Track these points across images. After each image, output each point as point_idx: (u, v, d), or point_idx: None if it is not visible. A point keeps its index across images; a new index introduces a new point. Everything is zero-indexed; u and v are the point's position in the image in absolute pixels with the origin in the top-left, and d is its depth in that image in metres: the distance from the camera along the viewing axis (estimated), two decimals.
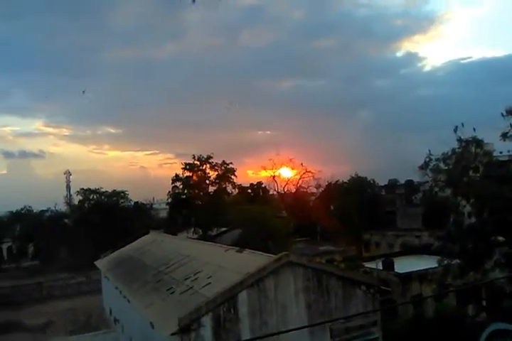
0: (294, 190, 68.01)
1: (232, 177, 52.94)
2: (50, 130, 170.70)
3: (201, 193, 52.38)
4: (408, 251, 32.56)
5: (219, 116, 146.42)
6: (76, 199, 63.02)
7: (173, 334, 13.55)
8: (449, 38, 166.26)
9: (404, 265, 25.06)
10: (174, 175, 52.34)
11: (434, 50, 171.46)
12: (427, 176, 23.98)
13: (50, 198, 69.01)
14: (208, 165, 52.28)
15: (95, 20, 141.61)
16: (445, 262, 21.63)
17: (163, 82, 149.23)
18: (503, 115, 21.15)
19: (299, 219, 50.02)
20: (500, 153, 28.35)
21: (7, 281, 44.28)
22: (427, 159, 23.14)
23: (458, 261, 21.42)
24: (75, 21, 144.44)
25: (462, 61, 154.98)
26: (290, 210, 59.68)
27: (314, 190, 67.00)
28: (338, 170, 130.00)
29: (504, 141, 21.23)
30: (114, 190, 61.93)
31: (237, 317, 14.48)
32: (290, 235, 40.94)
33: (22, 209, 65.75)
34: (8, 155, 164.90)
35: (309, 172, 64.78)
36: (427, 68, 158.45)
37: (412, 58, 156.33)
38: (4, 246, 65.77)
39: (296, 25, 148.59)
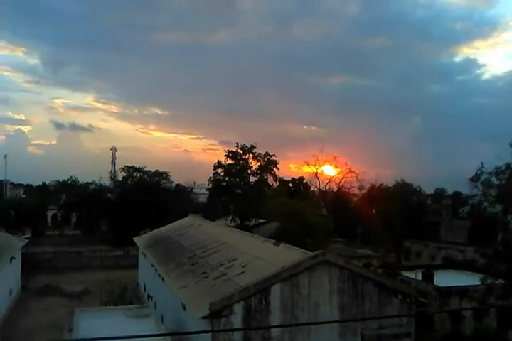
0: (335, 189, 67.00)
1: (274, 169, 52.79)
2: (100, 106, 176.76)
3: (242, 182, 52.56)
4: (450, 264, 31.33)
5: (265, 107, 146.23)
6: (120, 175, 64.15)
7: (204, 317, 13.72)
8: None
9: (445, 279, 24.14)
10: (216, 161, 52.76)
11: (495, 58, 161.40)
12: (477, 189, 22.99)
13: (95, 172, 71.07)
14: (250, 155, 52.31)
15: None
16: (489, 281, 20.72)
17: (213, 68, 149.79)
18: None
19: (339, 219, 49.24)
20: None
21: (50, 247, 46.31)
22: (479, 171, 22.16)
23: (502, 281, 20.46)
24: (131, 0, 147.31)
25: None
26: (330, 209, 58.93)
27: (357, 191, 65.69)
28: (383, 174, 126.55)
29: None
30: (157, 170, 62.85)
31: (269, 309, 14.48)
32: (329, 234, 40.42)
33: (68, 179, 67.78)
34: (59, 126, 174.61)
35: (353, 172, 63.49)
36: (486, 76, 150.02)
37: (470, 65, 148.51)
38: (49, 214, 68.90)
39: (350, 20, 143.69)
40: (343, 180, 65.56)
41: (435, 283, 23.28)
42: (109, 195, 64.31)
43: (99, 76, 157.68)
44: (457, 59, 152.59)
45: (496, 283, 20.59)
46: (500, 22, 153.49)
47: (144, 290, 28.27)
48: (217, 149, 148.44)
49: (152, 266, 24.28)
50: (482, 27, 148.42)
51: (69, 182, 67.89)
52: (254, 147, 52.14)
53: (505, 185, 21.84)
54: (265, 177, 53.03)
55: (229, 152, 52.24)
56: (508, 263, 20.82)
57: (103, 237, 53.94)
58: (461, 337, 18.64)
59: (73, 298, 28.26)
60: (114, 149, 71.81)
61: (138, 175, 62.42)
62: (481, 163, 22.15)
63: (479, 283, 21.27)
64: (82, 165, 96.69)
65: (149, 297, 25.40)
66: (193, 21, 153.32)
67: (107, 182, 66.31)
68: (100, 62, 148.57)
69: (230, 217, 50.37)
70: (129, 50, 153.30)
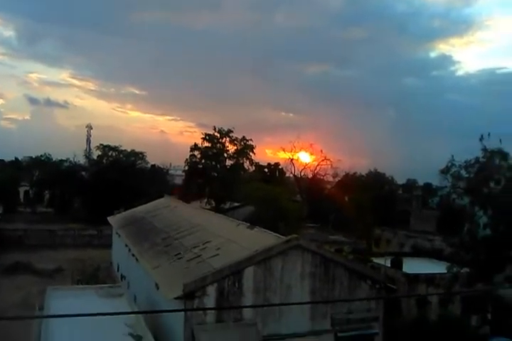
0: (310, 176, 67.80)
1: (251, 153, 52.67)
2: (76, 82, 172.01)
3: (218, 165, 52.42)
4: (419, 252, 32.35)
5: (244, 92, 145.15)
6: (95, 153, 63.43)
7: (176, 298, 13.82)
8: (486, 44, 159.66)
9: (413, 266, 24.92)
10: (193, 144, 52.38)
11: (469, 56, 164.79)
12: (447, 181, 23.62)
13: (69, 149, 69.39)
14: (227, 139, 52.04)
15: None
16: (455, 269, 21.47)
17: (194, 50, 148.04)
18: None
19: (313, 205, 50.06)
20: None
21: (21, 224, 45.46)
22: (449, 164, 22.73)
23: (467, 270, 21.25)
24: None
25: (497, 71, 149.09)
26: (305, 195, 59.69)
27: (331, 179, 66.73)
28: (357, 163, 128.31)
29: None
30: (133, 150, 62.28)
31: (241, 291, 14.67)
32: (302, 220, 40.99)
33: (42, 156, 66.46)
34: (33, 101, 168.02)
35: (328, 160, 64.38)
36: (460, 73, 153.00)
37: (445, 61, 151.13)
38: (22, 190, 67.29)
39: (332, 11, 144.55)
40: (318, 168, 66.45)
41: (404, 269, 24.00)
42: (83, 173, 63.34)
43: (77, 52, 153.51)
44: (433, 55, 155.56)
45: (462, 271, 21.34)
46: (476, 21, 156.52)
47: (118, 270, 28.15)
48: (195, 131, 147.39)
49: (126, 245, 24.15)
50: (458, 25, 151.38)
51: (42, 158, 66.46)
52: (232, 131, 51.92)
53: (473, 178, 22.41)
54: (241, 162, 52.94)
55: (206, 135, 51.88)
56: (472, 252, 21.62)
57: (76, 216, 53.26)
58: (427, 323, 19.35)
59: (45, 276, 27.97)
60: (89, 127, 70.57)
61: (113, 154, 61.60)
62: (452, 156, 22.74)
63: (446, 271, 21.96)
64: (56, 141, 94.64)
65: (122, 277, 25.32)
66: (176, 2, 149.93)
67: (81, 160, 65.35)
68: (78, 38, 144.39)
69: (206, 200, 50.32)
70: (109, 28, 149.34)
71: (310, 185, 64.48)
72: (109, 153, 61.47)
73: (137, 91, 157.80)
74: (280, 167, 67.32)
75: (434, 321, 19.59)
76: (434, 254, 29.40)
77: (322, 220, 50.27)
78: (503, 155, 21.98)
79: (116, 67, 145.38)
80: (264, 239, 17.01)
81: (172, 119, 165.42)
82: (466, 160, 22.32)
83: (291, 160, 66.52)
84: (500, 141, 21.53)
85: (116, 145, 61.62)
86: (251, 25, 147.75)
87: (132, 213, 33.90)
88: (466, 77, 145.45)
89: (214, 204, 48.92)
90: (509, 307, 19.81)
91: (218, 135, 51.69)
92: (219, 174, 51.53)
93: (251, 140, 52.36)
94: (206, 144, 51.64)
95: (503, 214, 20.68)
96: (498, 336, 11.95)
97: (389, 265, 24.59)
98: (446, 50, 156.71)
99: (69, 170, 62.36)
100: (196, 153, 51.93)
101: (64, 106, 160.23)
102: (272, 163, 68.50)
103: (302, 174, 68.24)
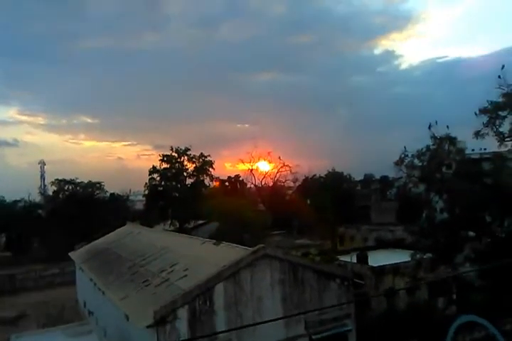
0: (271, 184, 68.44)
1: (210, 169, 52.91)
2: (25, 118, 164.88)
3: (178, 185, 52.14)
4: (382, 245, 33.18)
5: (197, 109, 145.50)
6: (50, 189, 62.04)
7: (148, 326, 13.54)
8: (425, 36, 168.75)
9: (378, 258, 25.56)
10: (152, 166, 51.99)
11: (411, 49, 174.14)
12: (402, 172, 24.37)
13: (23, 188, 67.32)
14: (185, 157, 52.09)
15: (73, 6, 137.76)
16: (417, 256, 22.12)
17: (142, 73, 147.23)
18: (476, 114, 21.64)
19: (276, 212, 50.36)
20: (473, 150, 29.05)
21: None
22: (402, 155, 23.52)
23: (430, 255, 21.97)
24: (51, 7, 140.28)
25: (438, 60, 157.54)
26: (267, 204, 60.06)
27: (291, 184, 67.66)
28: (316, 165, 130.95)
29: (477, 139, 21.71)
30: (90, 181, 61.07)
31: (213, 309, 14.57)
32: (267, 228, 41.26)
33: None
34: None
35: (287, 166, 65.39)
36: (404, 66, 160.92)
37: (388, 56, 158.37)
38: None
39: (275, 20, 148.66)
40: (277, 175, 67.26)
41: (369, 263, 24.59)
42: (40, 211, 61.33)
43: (22, 87, 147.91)
44: (377, 51, 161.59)
45: (424, 257, 22.06)
46: (413, 15, 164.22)
47: (84, 307, 27.19)
48: (152, 154, 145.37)
49: (91, 280, 23.39)
50: (397, 20, 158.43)
51: None
52: (189, 149, 52.05)
53: (426, 166, 23.22)
54: (202, 179, 52.96)
55: (163, 156, 51.66)
56: (432, 237, 22.39)
57: (36, 256, 51.17)
58: (396, 312, 19.85)
59: (8, 325, 26.56)
60: (42, 163, 68.87)
61: (70, 187, 60.30)
62: (404, 147, 23.52)
63: (409, 259, 22.66)
64: (8, 182, 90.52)
65: (90, 312, 24.47)
66: (121, 26, 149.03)
67: (36, 198, 63.35)
68: (22, 73, 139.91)
69: (169, 222, 49.76)
70: (54, 59, 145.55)
71: (271, 193, 65.01)
72: (65, 187, 60.13)
73: (89, 120, 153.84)
74: (241, 179, 67.59)
75: (403, 309, 20.14)
76: (397, 244, 30.26)
77: (287, 226, 50.70)
78: (451, 140, 22.93)
79: (65, 98, 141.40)
80: (231, 253, 17.00)
81: (128, 144, 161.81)
82: (418, 150, 23.12)
83: (251, 170, 67.12)
84: (448, 127, 22.56)
85: (72, 178, 60.58)
86: (197, 42, 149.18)
87: (94, 245, 32.93)
88: (410, 70, 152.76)
89: (178, 225, 48.48)
90: (471, 286, 20.63)
91: (176, 155, 51.64)
92: (180, 194, 51.24)
93: (209, 156, 52.70)
94: (165, 165, 51.44)
95: (457, 197, 21.43)
96: (464, 314, 12.42)
97: (355, 261, 25.12)
98: (388, 46, 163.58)
99: (24, 210, 60.20)
100: (155, 175, 51.56)
101: (13, 144, 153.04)
102: (232, 175, 68.71)
103: (263, 183, 68.90)
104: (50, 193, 61.83)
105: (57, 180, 59.79)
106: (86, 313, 25.58)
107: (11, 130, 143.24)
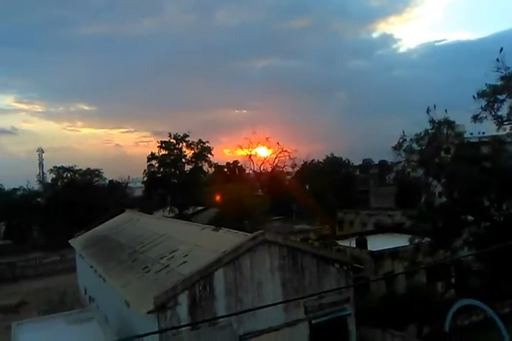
0: (270, 169, 68.43)
1: (209, 156, 52.80)
2: (23, 106, 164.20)
3: (177, 172, 52.07)
4: (381, 229, 33.32)
5: (195, 95, 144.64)
6: (49, 177, 61.92)
7: (149, 312, 13.59)
8: (423, 20, 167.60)
9: (377, 243, 25.69)
10: (150, 153, 51.82)
11: (409, 32, 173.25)
12: (400, 156, 24.35)
13: (22, 176, 67.40)
14: (184, 144, 51.90)
15: None
16: (416, 240, 22.24)
17: (139, 59, 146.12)
18: (474, 98, 21.45)
19: (275, 198, 50.45)
20: (471, 134, 28.95)
21: None
22: (401, 140, 23.45)
23: (428, 239, 22.04)
24: None
25: (437, 43, 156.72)
26: (266, 189, 60.14)
27: (290, 170, 67.70)
28: (314, 150, 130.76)
29: (475, 122, 21.60)
30: (89, 168, 60.98)
31: (213, 295, 14.61)
32: (266, 214, 41.33)
33: None
34: None
35: (285, 151, 65.32)
36: (402, 50, 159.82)
37: (387, 40, 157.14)
38: None
39: (271, 4, 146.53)
40: (276, 160, 67.19)
41: (368, 248, 24.70)
42: (38, 199, 61.31)
43: (20, 75, 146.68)
44: (375, 35, 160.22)
45: (423, 241, 22.16)
46: None
47: (85, 293, 27.37)
48: (150, 141, 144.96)
49: (91, 267, 23.48)
50: (396, 3, 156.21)
51: None
52: (187, 135, 51.84)
53: (425, 150, 23.16)
54: (200, 165, 52.88)
55: (162, 142, 51.48)
56: (431, 221, 22.45)
57: (37, 244, 51.37)
58: (395, 296, 20.00)
59: (9, 312, 26.76)
60: (40, 150, 68.63)
61: (68, 175, 60.16)
62: (403, 132, 23.43)
63: (408, 243, 22.74)
64: (6, 170, 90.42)
65: (91, 299, 24.64)
66: (117, 12, 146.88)
67: (35, 186, 63.25)
68: (20, 61, 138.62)
69: (168, 208, 49.83)
70: (51, 47, 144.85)
71: (270, 179, 65.04)
72: (64, 175, 59.99)
73: (86, 107, 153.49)
74: (239, 164, 67.62)
75: (402, 293, 20.29)
76: (396, 229, 30.37)
77: (286, 211, 50.87)
78: (450, 124, 22.85)
79: (62, 85, 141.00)
80: (230, 239, 16.99)
81: (126, 131, 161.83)
82: (417, 134, 23.05)
83: (250, 156, 67.05)
84: (446, 110, 22.41)
85: (71, 165, 60.38)
86: (193, 28, 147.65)
87: (94, 232, 32.98)
88: (408, 53, 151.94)
89: (177, 212, 48.54)
90: (469, 270, 20.77)
91: (174, 141, 51.45)
92: (179, 180, 51.18)
93: (207, 142, 52.53)
94: (163, 152, 51.28)
95: (455, 181, 21.43)
96: (462, 298, 12.56)
97: (354, 245, 25.23)
98: (387, 29, 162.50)
99: (23, 198, 60.15)
100: (154, 162, 51.45)
101: (11, 132, 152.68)
102: (231, 161, 68.66)
103: (262, 169, 68.89)
104: (49, 181, 61.74)
105: (55, 167, 59.64)
106: (87, 300, 25.78)
107: (8, 118, 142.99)
